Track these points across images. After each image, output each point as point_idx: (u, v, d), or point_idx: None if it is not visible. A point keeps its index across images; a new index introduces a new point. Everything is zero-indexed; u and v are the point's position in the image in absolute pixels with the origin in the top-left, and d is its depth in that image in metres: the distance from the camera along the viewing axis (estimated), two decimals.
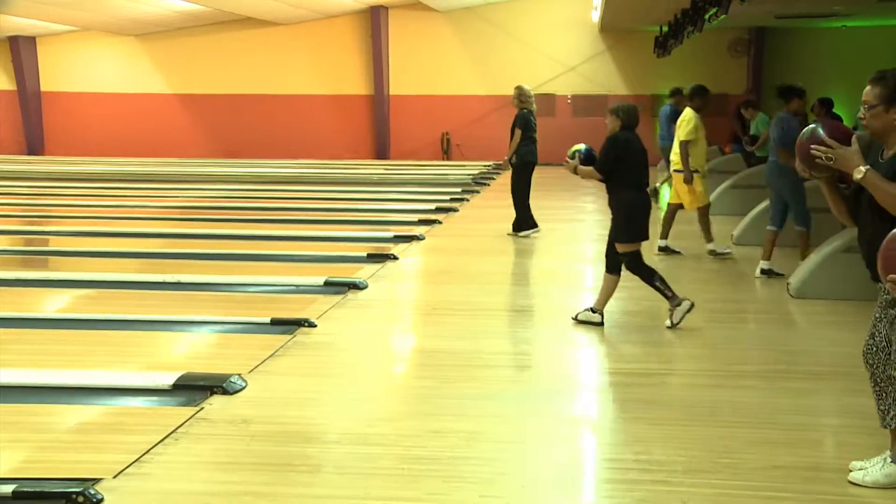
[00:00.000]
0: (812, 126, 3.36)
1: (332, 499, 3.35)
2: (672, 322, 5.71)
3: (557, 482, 3.54)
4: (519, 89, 9.89)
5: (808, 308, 6.44)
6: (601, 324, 5.77)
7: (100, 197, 13.77)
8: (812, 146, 3.26)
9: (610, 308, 6.48)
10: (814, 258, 6.86)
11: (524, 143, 9.67)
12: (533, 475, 3.58)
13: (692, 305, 5.72)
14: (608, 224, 5.90)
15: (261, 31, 20.92)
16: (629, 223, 5.74)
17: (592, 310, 5.82)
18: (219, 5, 18.40)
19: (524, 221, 9.83)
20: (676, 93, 12.86)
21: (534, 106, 9.84)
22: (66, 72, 22.25)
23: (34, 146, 22.37)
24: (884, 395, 3.35)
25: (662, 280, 5.75)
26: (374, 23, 20.31)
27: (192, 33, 21.41)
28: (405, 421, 4.16)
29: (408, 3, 19.92)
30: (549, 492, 3.44)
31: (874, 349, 3.36)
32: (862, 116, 3.32)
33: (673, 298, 5.70)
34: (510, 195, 9.95)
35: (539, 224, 9.94)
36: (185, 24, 20.81)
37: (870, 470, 3.41)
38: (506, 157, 9.90)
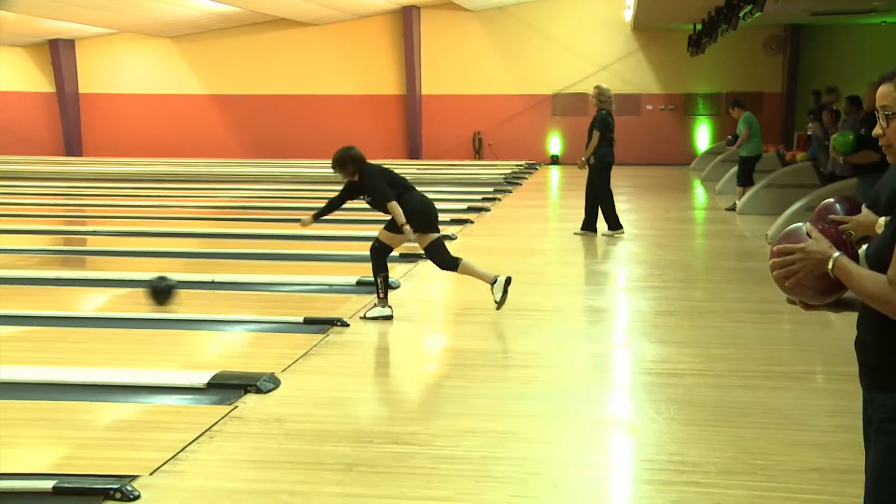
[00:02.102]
0: (830, 200, 3.30)
1: (365, 497, 3.37)
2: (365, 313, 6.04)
3: (590, 482, 3.54)
4: (598, 89, 9.64)
5: None
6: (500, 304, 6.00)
7: (136, 197, 13.96)
8: (827, 216, 3.23)
9: (642, 308, 6.45)
10: None
11: (603, 145, 9.47)
12: (565, 475, 3.57)
13: (373, 309, 6.03)
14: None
15: (294, 31, 21.08)
16: (426, 218, 6.18)
17: (494, 282, 6.03)
18: (252, 6, 18.57)
19: (612, 221, 9.61)
20: (831, 91, 12.59)
21: (612, 106, 9.58)
22: (104, 74, 22.59)
23: (73, 147, 22.74)
24: None
25: (384, 281, 6.09)
26: (407, 23, 20.37)
27: (226, 35, 21.62)
28: (437, 420, 4.17)
29: (440, 2, 19.94)
30: (581, 492, 3.43)
31: None
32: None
33: (382, 300, 6.02)
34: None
35: (574, 224, 9.89)
36: (219, 25, 21.03)
37: None
38: (583, 158, 9.63)
